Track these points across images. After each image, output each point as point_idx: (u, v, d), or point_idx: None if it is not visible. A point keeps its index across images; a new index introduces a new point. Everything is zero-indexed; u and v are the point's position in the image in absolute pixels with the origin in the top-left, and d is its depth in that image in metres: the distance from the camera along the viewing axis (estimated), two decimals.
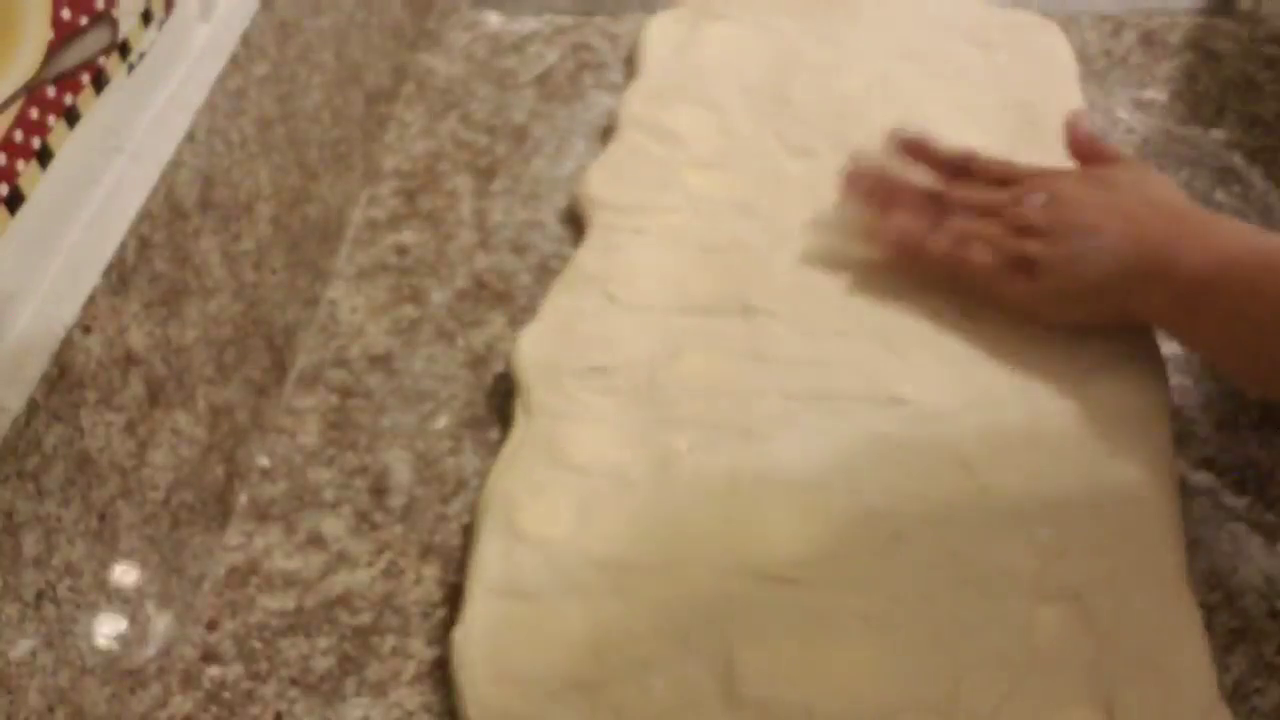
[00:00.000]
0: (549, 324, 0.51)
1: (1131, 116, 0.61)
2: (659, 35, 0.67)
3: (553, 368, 0.49)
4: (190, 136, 0.42)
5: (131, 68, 0.40)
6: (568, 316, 0.51)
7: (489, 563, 0.42)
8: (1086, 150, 0.50)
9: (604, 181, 0.57)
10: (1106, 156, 0.50)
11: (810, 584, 0.41)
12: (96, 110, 0.38)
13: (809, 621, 0.40)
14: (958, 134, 0.58)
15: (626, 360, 0.49)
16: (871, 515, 0.43)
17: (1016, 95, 0.61)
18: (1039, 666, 0.38)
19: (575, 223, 0.57)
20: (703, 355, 0.49)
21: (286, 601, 0.43)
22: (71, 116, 0.37)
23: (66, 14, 0.36)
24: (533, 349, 0.50)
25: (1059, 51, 0.64)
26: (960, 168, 0.52)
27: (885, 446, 0.45)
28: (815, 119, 0.60)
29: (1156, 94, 0.62)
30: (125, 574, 0.38)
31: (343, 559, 0.45)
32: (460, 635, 0.40)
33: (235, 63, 0.45)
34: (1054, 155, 0.54)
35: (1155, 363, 0.48)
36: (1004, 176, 0.50)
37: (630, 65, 0.67)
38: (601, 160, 0.59)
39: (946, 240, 0.49)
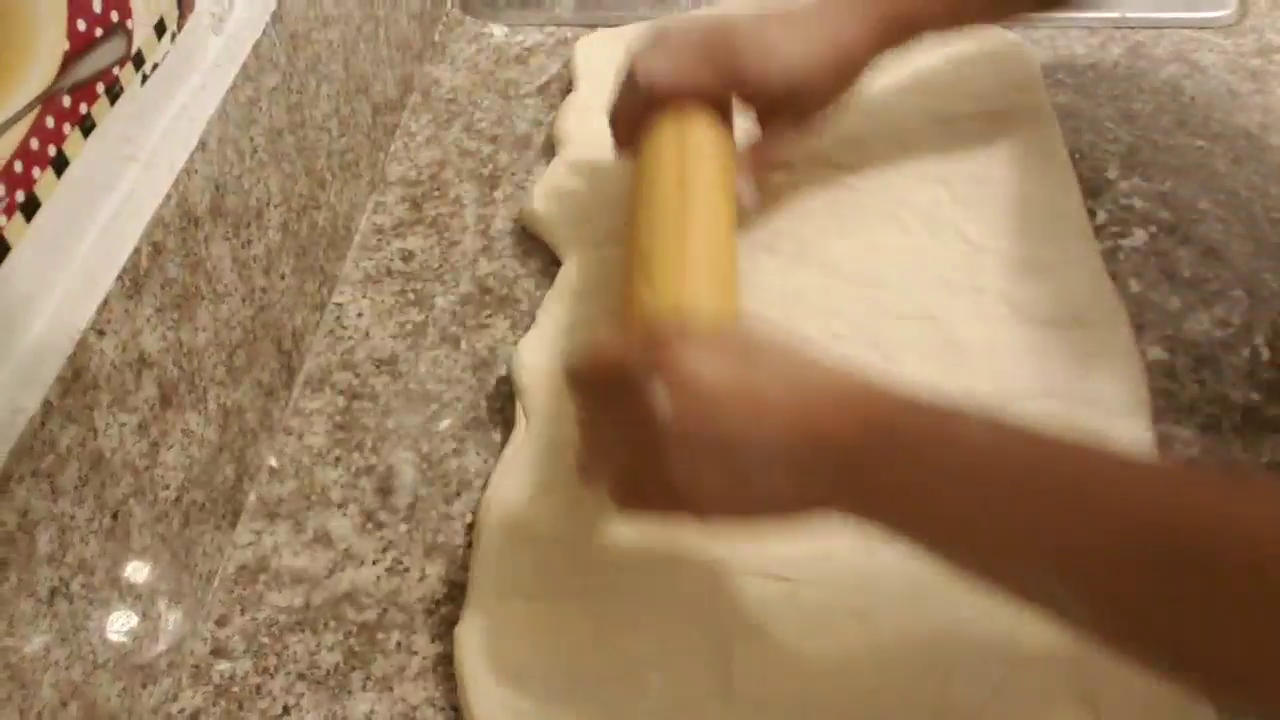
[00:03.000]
0: (547, 331, 0.52)
1: (1118, 127, 0.62)
2: (597, 56, 0.66)
3: (552, 373, 0.49)
4: (202, 145, 0.42)
5: (145, 78, 0.41)
6: (565, 323, 0.52)
7: (491, 561, 0.43)
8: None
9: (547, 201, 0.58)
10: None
11: (804, 583, 0.42)
12: (111, 119, 0.39)
13: (803, 619, 0.41)
14: (935, 145, 0.59)
15: None
16: None
17: (988, 105, 0.62)
18: (1026, 662, 0.39)
19: None
20: None
21: (294, 598, 0.44)
22: (86, 125, 0.37)
23: (82, 25, 0.37)
24: (532, 355, 0.50)
25: (1023, 61, 0.65)
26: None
27: None
28: None
29: (1143, 105, 0.63)
30: (137, 571, 0.39)
31: (349, 557, 0.45)
32: (463, 633, 0.41)
33: (246, 73, 0.46)
34: (1031, 159, 0.55)
35: (1135, 364, 0.49)
36: (612, 376, 0.38)
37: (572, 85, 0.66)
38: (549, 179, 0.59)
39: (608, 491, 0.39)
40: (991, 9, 0.55)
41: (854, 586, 0.42)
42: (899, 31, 0.51)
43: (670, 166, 0.47)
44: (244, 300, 0.47)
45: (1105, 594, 0.30)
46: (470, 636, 0.41)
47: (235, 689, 0.41)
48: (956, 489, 0.32)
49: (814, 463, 0.34)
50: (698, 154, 0.48)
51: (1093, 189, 0.58)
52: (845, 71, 0.51)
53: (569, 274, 0.54)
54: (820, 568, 0.42)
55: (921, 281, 0.52)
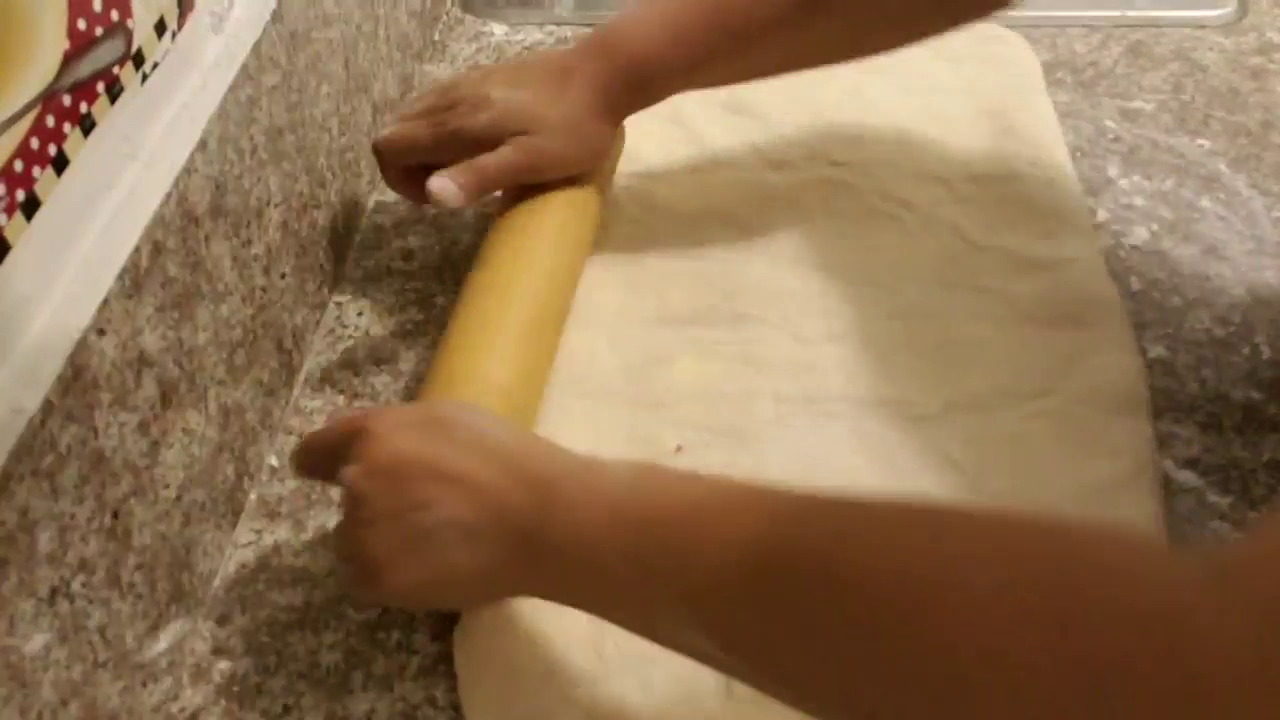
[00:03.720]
0: None
1: (1119, 126, 0.62)
2: None
3: None
4: (202, 144, 0.42)
5: (145, 77, 0.41)
6: None
7: None
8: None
9: None
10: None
11: None
12: (111, 118, 0.39)
13: None
14: (935, 143, 0.59)
15: (602, 369, 0.49)
16: None
17: (987, 104, 0.62)
18: None
19: None
20: (695, 361, 0.50)
21: (295, 597, 0.44)
22: (87, 124, 0.37)
23: (82, 24, 0.37)
24: None
25: (1023, 60, 0.65)
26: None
27: (875, 447, 0.46)
28: (790, 131, 0.60)
29: (1143, 104, 0.63)
30: (137, 570, 0.39)
31: None
32: (463, 632, 0.41)
33: (246, 72, 0.46)
34: (1030, 158, 0.55)
35: (1135, 362, 0.49)
36: (318, 449, 0.41)
37: None
38: None
39: None
40: (740, 71, 0.52)
41: None
42: (634, 93, 0.50)
43: (505, 248, 0.50)
44: (244, 299, 0.47)
45: (723, 626, 0.32)
46: (469, 636, 0.41)
47: (236, 688, 0.41)
48: (596, 543, 0.34)
49: (493, 533, 0.36)
50: (539, 238, 0.50)
51: (1093, 187, 0.58)
52: (575, 128, 0.50)
53: None
54: None
55: (920, 281, 0.52)
